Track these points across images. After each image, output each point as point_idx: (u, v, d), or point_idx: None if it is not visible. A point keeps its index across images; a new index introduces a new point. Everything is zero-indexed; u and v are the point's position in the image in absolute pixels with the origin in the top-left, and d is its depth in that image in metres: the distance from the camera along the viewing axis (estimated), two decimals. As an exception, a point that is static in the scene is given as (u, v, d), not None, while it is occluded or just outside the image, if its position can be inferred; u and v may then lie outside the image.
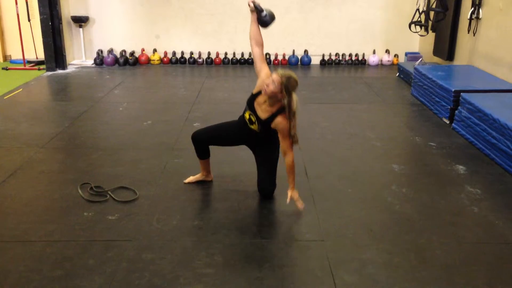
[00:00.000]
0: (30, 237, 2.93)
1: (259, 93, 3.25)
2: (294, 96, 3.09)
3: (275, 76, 3.05)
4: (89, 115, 5.51)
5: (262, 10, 3.30)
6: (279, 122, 3.17)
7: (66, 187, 3.60)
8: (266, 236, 2.99)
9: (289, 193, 3.21)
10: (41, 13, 7.67)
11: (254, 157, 3.53)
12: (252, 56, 3.28)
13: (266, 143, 3.42)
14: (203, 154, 3.54)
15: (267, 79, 3.12)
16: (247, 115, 3.33)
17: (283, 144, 3.21)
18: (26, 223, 3.08)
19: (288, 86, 3.04)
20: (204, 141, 3.49)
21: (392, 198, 3.47)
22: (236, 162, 4.01)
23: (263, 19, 3.31)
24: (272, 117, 3.18)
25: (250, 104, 3.30)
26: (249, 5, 3.31)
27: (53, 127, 5.03)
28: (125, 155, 4.27)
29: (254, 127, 3.31)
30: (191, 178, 3.67)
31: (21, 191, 3.55)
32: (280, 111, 3.15)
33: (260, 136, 3.37)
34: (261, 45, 3.34)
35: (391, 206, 3.35)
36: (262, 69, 3.29)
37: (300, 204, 3.21)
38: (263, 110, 3.23)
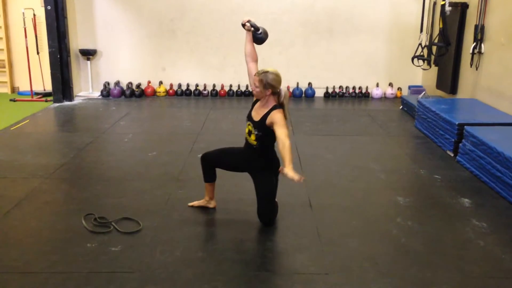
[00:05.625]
0: (33, 268, 2.91)
1: (256, 100, 3.45)
2: (282, 90, 3.35)
3: (254, 77, 3.29)
4: (95, 146, 5.55)
5: (258, 29, 3.46)
6: (273, 114, 3.26)
7: (70, 217, 3.60)
8: (270, 268, 2.97)
9: (284, 171, 2.97)
10: (50, 46, 7.84)
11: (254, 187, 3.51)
12: (248, 72, 3.50)
13: (265, 166, 3.45)
14: (210, 177, 3.64)
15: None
16: (246, 130, 3.46)
17: (281, 131, 3.14)
18: (29, 254, 3.07)
19: (267, 81, 3.24)
20: (212, 161, 3.60)
21: (397, 231, 3.44)
22: (241, 192, 4.01)
23: (259, 36, 3.48)
24: (266, 115, 3.29)
25: (248, 114, 3.46)
26: (244, 25, 3.47)
27: (58, 157, 5.07)
28: (129, 186, 4.28)
29: (252, 138, 3.39)
30: (195, 203, 3.79)
31: (25, 221, 3.55)
32: (273, 108, 3.29)
33: (258, 152, 3.42)
34: (256, 61, 3.52)
35: (397, 239, 3.33)
36: None
37: (297, 177, 2.92)
38: (258, 113, 3.38)
